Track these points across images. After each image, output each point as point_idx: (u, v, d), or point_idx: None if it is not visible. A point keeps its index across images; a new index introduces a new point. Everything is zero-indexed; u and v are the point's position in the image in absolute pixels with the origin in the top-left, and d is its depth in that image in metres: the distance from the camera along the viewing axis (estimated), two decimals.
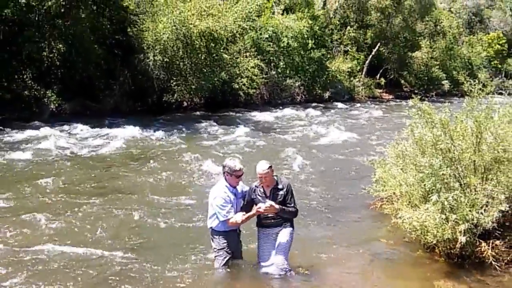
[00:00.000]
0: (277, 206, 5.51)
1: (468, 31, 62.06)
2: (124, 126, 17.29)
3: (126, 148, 14.48)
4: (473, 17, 65.45)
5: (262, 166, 5.55)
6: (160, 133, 16.94)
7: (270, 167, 5.59)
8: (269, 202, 5.49)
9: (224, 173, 5.74)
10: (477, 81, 8.26)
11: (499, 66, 61.80)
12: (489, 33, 62.92)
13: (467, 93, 7.80)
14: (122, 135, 15.88)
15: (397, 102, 36.72)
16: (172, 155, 13.58)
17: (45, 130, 15.87)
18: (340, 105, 31.05)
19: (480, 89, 7.60)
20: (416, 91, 42.90)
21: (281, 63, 30.52)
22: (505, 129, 7.24)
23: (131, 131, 16.49)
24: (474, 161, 6.96)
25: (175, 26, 21.20)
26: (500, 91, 47.53)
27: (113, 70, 21.85)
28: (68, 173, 11.05)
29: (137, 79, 22.20)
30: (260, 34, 29.32)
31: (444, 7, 59.84)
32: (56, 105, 19.66)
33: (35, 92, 19.36)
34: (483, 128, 7.14)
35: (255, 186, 5.76)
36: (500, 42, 61.37)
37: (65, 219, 7.93)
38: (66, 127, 16.95)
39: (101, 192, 9.58)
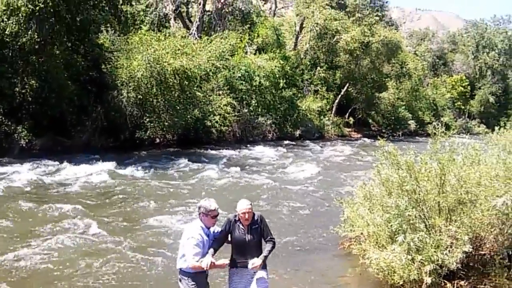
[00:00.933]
0: (260, 261, 5.57)
1: (432, 73, 64.59)
2: (95, 163, 17.17)
3: (95, 185, 14.36)
4: (437, 60, 68.24)
5: (245, 203, 5.65)
6: (131, 170, 16.90)
7: (251, 204, 5.71)
8: (254, 261, 5.55)
9: (199, 213, 5.74)
10: (440, 124, 8.65)
11: (462, 107, 64.18)
12: (452, 76, 65.56)
13: (431, 136, 8.13)
14: (93, 172, 15.77)
15: (365, 141, 37.51)
16: (143, 192, 13.53)
17: (13, 167, 15.66)
18: (310, 143, 31.58)
19: (443, 132, 7.95)
20: (383, 130, 44.25)
21: (253, 101, 31.00)
22: (467, 171, 7.54)
23: (102, 168, 16.39)
24: (439, 202, 7.20)
25: (149, 64, 21.41)
26: (464, 131, 49.08)
27: (86, 106, 21.82)
28: (30, 212, 10.86)
29: (110, 116, 22.19)
30: (233, 73, 29.87)
31: (410, 50, 62.26)
32: (27, 140, 19.38)
33: (5, 128, 19.09)
34: (447, 170, 7.44)
35: (234, 220, 5.77)
36: (463, 84, 63.95)
37: (19, 257, 7.87)
38: (35, 163, 16.66)
39: (64, 231, 9.43)
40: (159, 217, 10.89)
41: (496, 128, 14.97)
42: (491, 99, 65.60)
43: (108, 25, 23.64)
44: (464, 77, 64.77)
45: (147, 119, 23.21)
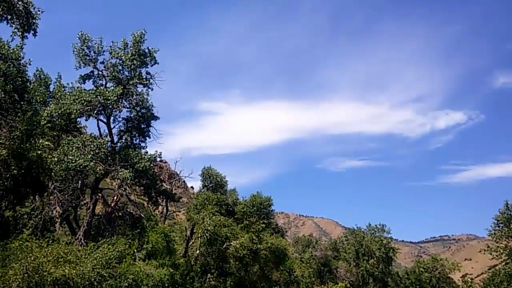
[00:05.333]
0: None
1: (319, 281, 66.31)
2: None
3: None
4: (322, 267, 70.99)
5: None
6: None
7: None
8: None
9: None
10: None
11: None
12: (338, 283, 67.69)
13: None
14: None
15: None
16: None
17: None
18: None
19: None
20: None
21: None
22: None
23: None
24: None
25: (27, 273, 19.79)
26: None
27: None
28: None
29: None
30: (120, 282, 28.23)
31: (296, 256, 64.56)
32: None
33: None
34: None
35: None
36: None
37: None
38: None
39: None
40: None
41: None
42: None
43: None
44: (348, 284, 67.06)
45: None
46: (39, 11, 26.11)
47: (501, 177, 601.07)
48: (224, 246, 40.73)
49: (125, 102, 35.30)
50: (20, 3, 24.18)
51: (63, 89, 33.29)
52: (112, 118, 35.50)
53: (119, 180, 34.54)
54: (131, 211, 37.78)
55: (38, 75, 35.08)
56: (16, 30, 24.54)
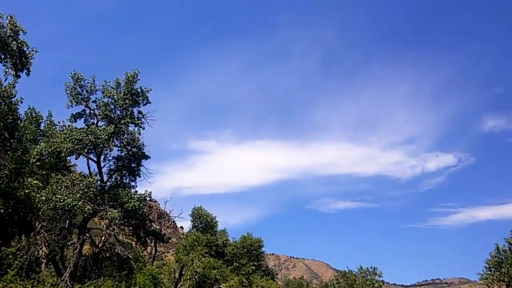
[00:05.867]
0: None
1: None
2: None
3: None
4: None
5: None
6: None
7: None
8: None
9: None
10: None
11: None
12: None
13: None
14: None
15: None
16: None
17: None
18: None
19: None
20: None
21: None
22: None
23: None
24: None
25: None
26: None
27: None
28: None
29: None
30: None
31: None
32: None
33: None
34: None
35: None
36: None
37: None
38: None
39: None
40: None
41: None
42: None
43: None
44: None
45: None
46: (32, 51, 26.40)
47: (492, 220, 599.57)
48: None
49: (116, 141, 35.15)
50: (14, 43, 24.44)
51: (53, 127, 33.20)
52: (102, 157, 35.25)
53: (107, 220, 33.99)
54: (119, 252, 36.99)
55: (29, 113, 35.05)
56: (9, 69, 24.71)
